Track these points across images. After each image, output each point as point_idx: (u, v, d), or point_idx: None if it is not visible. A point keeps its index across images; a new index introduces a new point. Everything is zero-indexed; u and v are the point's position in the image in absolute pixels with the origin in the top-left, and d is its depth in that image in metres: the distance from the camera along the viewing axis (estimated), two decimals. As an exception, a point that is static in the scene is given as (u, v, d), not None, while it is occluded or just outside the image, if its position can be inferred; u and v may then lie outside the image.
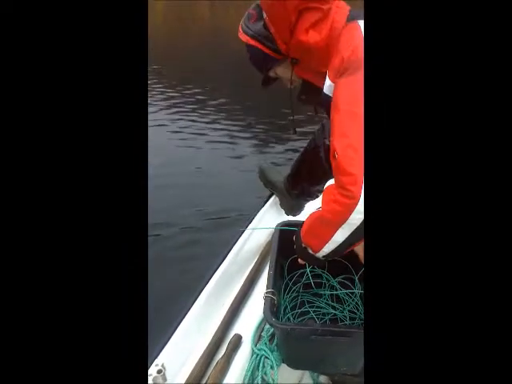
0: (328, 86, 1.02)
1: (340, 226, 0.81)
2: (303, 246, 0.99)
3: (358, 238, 0.83)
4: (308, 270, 1.32)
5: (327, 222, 0.86)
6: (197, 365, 1.12)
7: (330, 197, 0.84)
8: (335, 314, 1.30)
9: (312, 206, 1.58)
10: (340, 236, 0.84)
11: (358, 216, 0.77)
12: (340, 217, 0.80)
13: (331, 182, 0.88)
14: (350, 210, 0.77)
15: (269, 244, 1.61)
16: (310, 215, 0.95)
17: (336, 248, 0.88)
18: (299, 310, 1.31)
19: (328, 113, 0.98)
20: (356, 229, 0.80)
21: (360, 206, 0.76)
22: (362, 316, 1.26)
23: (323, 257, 0.94)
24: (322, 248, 0.91)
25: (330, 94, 0.99)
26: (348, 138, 0.82)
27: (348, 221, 0.79)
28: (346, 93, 0.88)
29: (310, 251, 0.96)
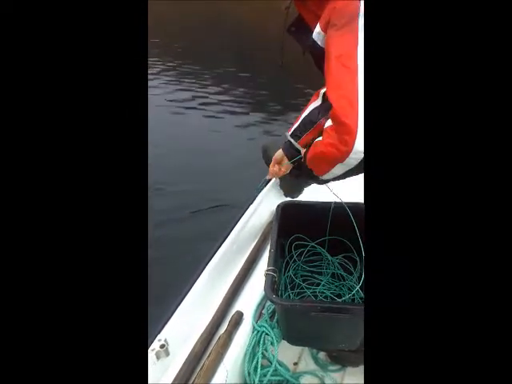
0: (317, 32, 1.01)
1: (337, 164, 0.90)
2: (308, 168, 1.07)
3: (355, 172, 0.92)
4: (308, 248, 1.34)
5: (326, 160, 0.94)
6: (199, 340, 1.15)
7: (329, 140, 0.90)
8: (335, 292, 1.32)
9: (311, 190, 1.58)
10: (338, 170, 0.94)
11: (352, 161, 0.86)
12: (337, 160, 0.89)
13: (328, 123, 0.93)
14: (346, 155, 0.86)
15: (270, 223, 1.62)
16: (314, 145, 1.02)
17: (335, 177, 0.99)
18: (299, 290, 1.33)
19: (316, 62, 0.99)
20: (353, 167, 0.89)
21: (353, 154, 0.83)
22: (361, 293, 1.28)
23: (323, 180, 1.05)
24: (322, 175, 1.01)
25: (319, 42, 1.00)
26: (342, 90, 0.86)
27: (345, 162, 0.88)
28: (339, 46, 0.88)
29: (314, 173, 1.06)
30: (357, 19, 0.83)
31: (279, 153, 1.28)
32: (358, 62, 0.82)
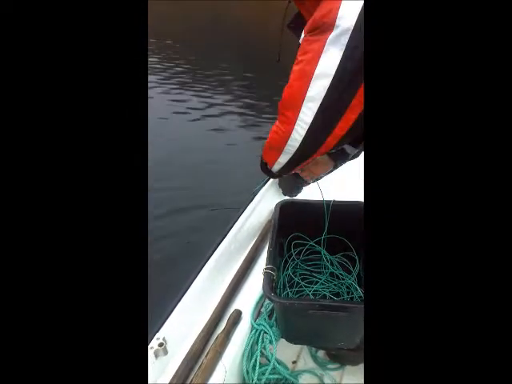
0: (302, 38, 1.04)
1: (280, 151, 1.00)
2: (264, 161, 1.15)
3: (298, 162, 1.03)
4: (306, 247, 1.34)
5: (270, 147, 1.04)
6: (197, 338, 1.15)
7: (273, 127, 1.00)
8: (333, 290, 1.32)
9: (310, 189, 1.59)
10: (283, 159, 1.03)
11: (290, 148, 0.96)
12: (277, 144, 0.99)
13: None
14: (284, 141, 0.96)
15: (269, 222, 1.62)
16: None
17: (283, 167, 1.07)
18: (297, 289, 1.33)
19: None
20: (292, 155, 0.99)
21: (291, 141, 0.95)
22: (360, 292, 1.28)
23: (277, 172, 1.12)
24: (273, 165, 1.09)
25: None
26: (292, 89, 0.93)
27: (284, 149, 0.98)
28: (306, 50, 0.93)
29: (268, 167, 1.14)
30: (330, 31, 0.86)
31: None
32: (317, 70, 0.87)
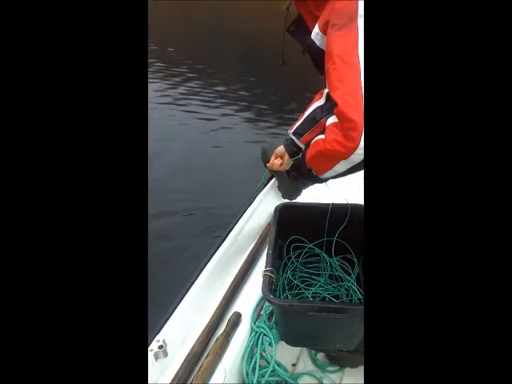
0: (315, 33, 1.03)
1: (340, 160, 0.92)
2: (307, 167, 1.09)
3: (357, 169, 0.95)
4: (305, 249, 1.34)
5: (329, 157, 0.95)
6: (197, 341, 1.15)
7: (333, 136, 0.91)
8: (332, 293, 1.33)
9: (309, 192, 1.59)
10: (340, 167, 0.96)
11: (357, 156, 0.87)
12: (341, 156, 0.91)
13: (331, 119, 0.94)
14: (351, 152, 0.87)
15: (269, 225, 1.63)
16: (315, 144, 1.02)
17: (336, 175, 1.02)
18: (297, 291, 1.34)
19: (314, 62, 1.01)
20: (355, 165, 0.91)
21: (359, 150, 0.85)
22: (358, 294, 1.29)
23: (324, 178, 1.08)
24: (323, 174, 1.04)
25: (317, 42, 1.02)
26: (346, 86, 0.88)
27: (348, 159, 0.90)
28: (341, 45, 0.91)
29: (314, 173, 1.08)
30: (356, 19, 0.86)
31: (281, 148, 1.30)
32: (359, 60, 0.85)
